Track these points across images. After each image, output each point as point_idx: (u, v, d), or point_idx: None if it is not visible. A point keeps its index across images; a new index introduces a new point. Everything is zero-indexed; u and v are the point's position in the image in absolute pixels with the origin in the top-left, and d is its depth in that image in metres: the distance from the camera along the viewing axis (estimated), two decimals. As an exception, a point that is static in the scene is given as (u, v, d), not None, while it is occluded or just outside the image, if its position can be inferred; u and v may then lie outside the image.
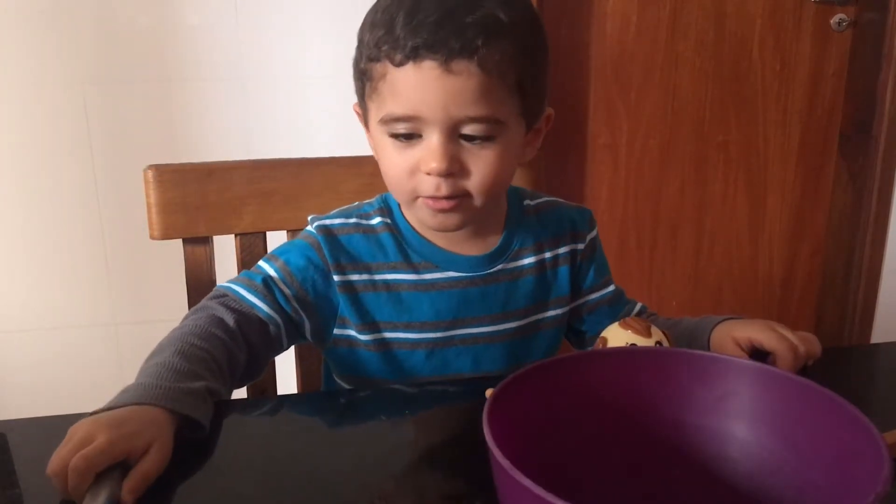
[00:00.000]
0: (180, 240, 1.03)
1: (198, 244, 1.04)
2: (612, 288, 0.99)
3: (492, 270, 0.89)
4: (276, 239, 1.06)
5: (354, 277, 0.86)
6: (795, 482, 0.54)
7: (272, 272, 0.85)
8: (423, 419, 0.77)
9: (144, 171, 1.01)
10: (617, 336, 0.75)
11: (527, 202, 0.95)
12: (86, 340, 1.84)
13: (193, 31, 1.71)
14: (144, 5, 1.69)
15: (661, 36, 1.98)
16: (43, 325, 1.83)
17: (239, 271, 1.05)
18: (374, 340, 0.88)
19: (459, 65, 0.72)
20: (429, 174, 0.77)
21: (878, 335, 2.17)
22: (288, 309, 0.85)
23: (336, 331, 0.88)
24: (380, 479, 0.64)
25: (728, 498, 0.58)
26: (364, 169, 1.05)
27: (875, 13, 1.99)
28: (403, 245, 0.87)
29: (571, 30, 1.96)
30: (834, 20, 2.02)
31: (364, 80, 0.79)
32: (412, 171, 0.78)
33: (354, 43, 0.81)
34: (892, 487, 0.44)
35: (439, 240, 0.88)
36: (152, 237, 1.03)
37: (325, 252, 0.86)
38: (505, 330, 0.90)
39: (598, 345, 0.76)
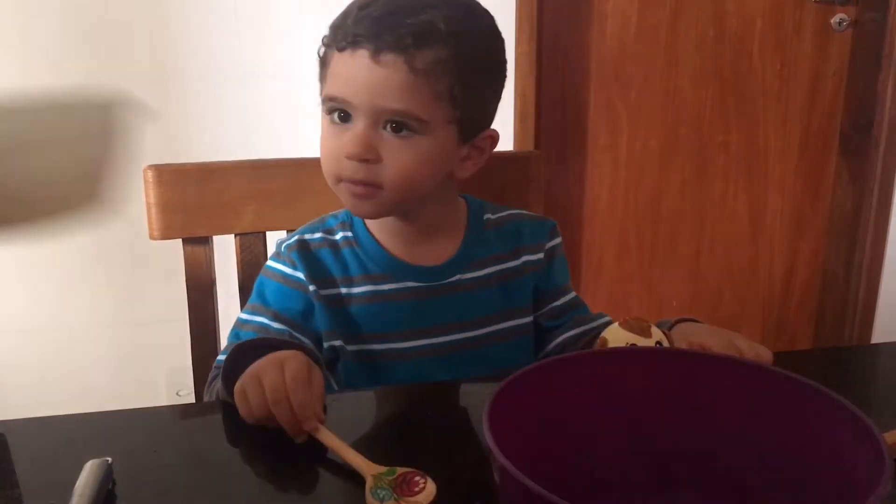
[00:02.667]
0: (180, 240, 1.03)
1: (198, 244, 1.04)
2: (572, 295, 1.00)
3: (448, 281, 0.91)
4: (276, 239, 1.06)
5: (325, 291, 0.89)
6: (795, 482, 0.54)
7: (265, 321, 0.88)
8: (422, 419, 0.77)
9: (144, 171, 1.01)
10: (617, 336, 0.75)
11: (487, 216, 0.96)
12: (86, 340, 1.84)
13: (193, 31, 1.71)
14: (144, 5, 1.69)
15: (661, 36, 1.98)
16: (43, 325, 1.82)
17: (239, 271, 1.06)
18: (350, 351, 0.89)
19: (387, 57, 0.77)
20: (347, 158, 0.81)
21: (878, 335, 2.17)
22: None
23: (325, 343, 0.90)
24: (380, 479, 0.64)
25: (728, 497, 0.58)
26: (364, 169, 1.04)
27: (875, 13, 1.99)
28: (363, 258, 0.90)
29: (571, 30, 1.96)
30: (834, 20, 2.02)
31: (321, 66, 0.84)
32: (338, 155, 0.82)
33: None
34: (892, 487, 0.44)
35: (397, 249, 0.90)
36: (152, 237, 1.02)
37: (301, 267, 0.89)
38: (465, 339, 0.91)
39: (598, 345, 0.76)
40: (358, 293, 0.89)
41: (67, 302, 1.82)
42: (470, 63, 0.81)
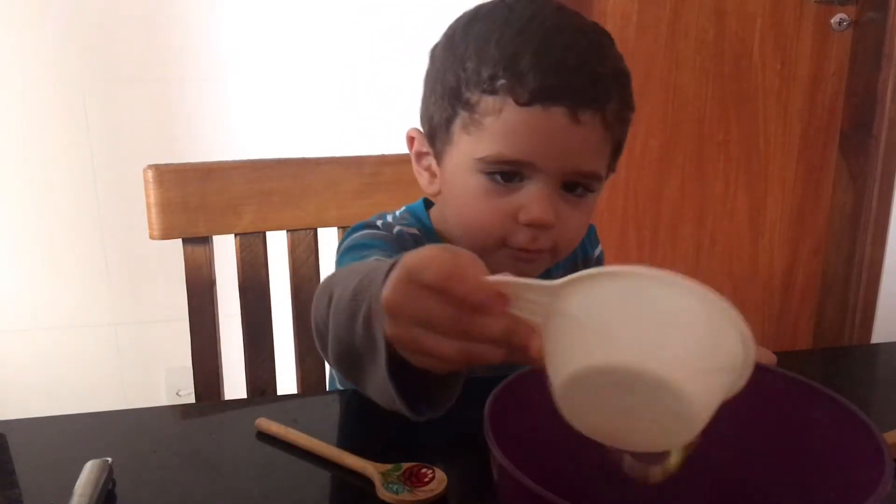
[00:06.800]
0: (180, 240, 1.03)
1: (198, 244, 1.04)
2: None
3: None
4: (275, 239, 1.06)
5: None
6: (796, 482, 0.54)
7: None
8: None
9: (144, 170, 1.01)
10: (617, 336, 0.75)
11: None
12: (86, 340, 1.84)
13: (193, 31, 1.71)
14: (144, 4, 1.69)
15: (661, 35, 1.98)
16: (43, 325, 1.82)
17: (239, 271, 1.06)
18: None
19: (586, 115, 0.67)
20: (528, 225, 0.70)
21: (878, 335, 2.17)
22: None
23: None
24: (380, 479, 0.64)
25: (728, 498, 0.58)
26: (364, 169, 1.04)
27: (875, 13, 1.99)
28: None
29: (571, 29, 1.96)
30: (834, 20, 2.02)
31: (459, 107, 0.70)
32: (506, 219, 0.71)
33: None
34: (892, 487, 0.44)
35: None
36: (152, 237, 1.02)
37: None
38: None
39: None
40: None
41: (67, 302, 1.82)
42: (630, 101, 0.73)
